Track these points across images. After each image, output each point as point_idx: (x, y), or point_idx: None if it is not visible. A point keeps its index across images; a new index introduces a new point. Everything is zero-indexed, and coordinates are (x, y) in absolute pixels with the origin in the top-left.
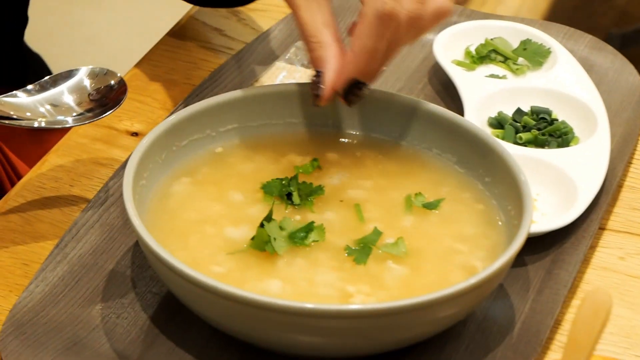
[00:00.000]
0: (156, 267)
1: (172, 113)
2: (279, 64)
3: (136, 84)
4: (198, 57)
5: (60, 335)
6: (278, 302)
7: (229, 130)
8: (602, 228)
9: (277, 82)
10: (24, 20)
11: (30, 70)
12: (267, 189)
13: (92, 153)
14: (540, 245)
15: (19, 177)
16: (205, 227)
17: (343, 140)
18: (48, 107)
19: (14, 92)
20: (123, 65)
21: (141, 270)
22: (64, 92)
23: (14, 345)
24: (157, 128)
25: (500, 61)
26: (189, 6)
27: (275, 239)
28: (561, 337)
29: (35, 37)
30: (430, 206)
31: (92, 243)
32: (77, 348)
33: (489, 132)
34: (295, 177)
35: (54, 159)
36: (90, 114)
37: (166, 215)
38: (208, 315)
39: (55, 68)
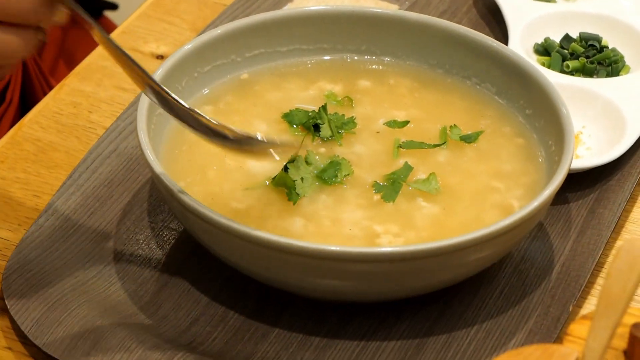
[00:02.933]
0: (170, 204)
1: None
2: None
3: (164, 3)
4: None
5: (68, 274)
6: (299, 243)
7: (256, 55)
8: None
9: (312, 4)
10: None
11: None
12: (289, 118)
13: (114, 77)
14: (584, 182)
15: None
16: (225, 160)
17: (376, 67)
18: None
19: None
20: None
21: (159, 204)
22: None
23: (18, 283)
24: (176, 53)
25: None
26: None
27: (302, 179)
28: (603, 282)
29: None
30: (467, 139)
31: (108, 174)
32: (84, 288)
33: (533, 60)
34: (324, 107)
35: (74, 82)
36: None
37: (184, 146)
38: (225, 256)
39: None
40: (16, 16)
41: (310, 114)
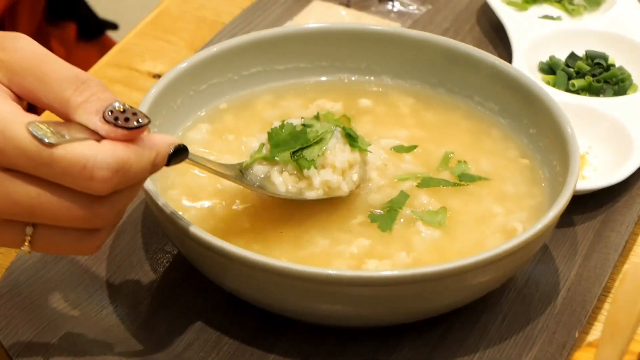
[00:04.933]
0: (164, 226)
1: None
2: (316, 3)
3: (162, 21)
4: None
5: (59, 297)
6: (296, 267)
7: (253, 74)
8: None
9: (312, 22)
10: None
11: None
12: (271, 137)
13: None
14: (590, 203)
15: None
16: (221, 180)
17: (377, 86)
18: None
19: None
20: (150, 2)
21: (153, 225)
22: None
23: (7, 307)
24: (171, 71)
25: (555, 1)
26: None
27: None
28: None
29: None
30: (465, 178)
31: None
32: (75, 312)
33: (538, 79)
34: (316, 117)
35: None
36: None
37: (180, 166)
38: (220, 279)
39: None
40: (133, 180)
41: (297, 127)
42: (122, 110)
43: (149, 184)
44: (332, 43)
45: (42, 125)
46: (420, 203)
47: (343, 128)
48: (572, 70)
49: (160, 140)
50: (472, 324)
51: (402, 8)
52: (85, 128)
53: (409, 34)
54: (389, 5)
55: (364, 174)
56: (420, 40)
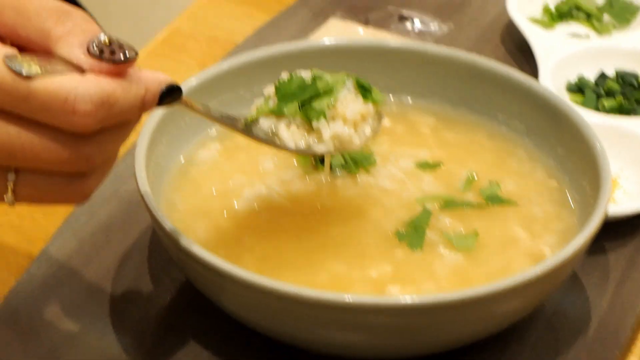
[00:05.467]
0: (170, 250)
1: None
2: (333, 21)
3: (174, 41)
4: (245, 12)
5: (60, 325)
6: (311, 294)
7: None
8: None
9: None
10: None
11: None
12: (280, 89)
13: None
14: (623, 229)
15: None
16: (234, 201)
17: (395, 104)
18: None
19: None
20: (161, 21)
21: (160, 251)
22: None
23: (6, 335)
24: (182, 86)
25: (583, 19)
26: None
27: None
28: None
29: None
30: (494, 200)
31: (106, 219)
32: (77, 341)
33: (565, 98)
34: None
35: None
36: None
37: (188, 187)
38: (229, 307)
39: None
40: (119, 117)
41: (306, 80)
42: (107, 43)
43: (150, 201)
44: (350, 59)
45: (20, 57)
46: (443, 225)
47: (356, 79)
48: (601, 89)
49: (150, 76)
50: (498, 356)
51: (422, 27)
52: (67, 62)
53: (429, 50)
54: (409, 24)
55: (378, 128)
56: (441, 56)
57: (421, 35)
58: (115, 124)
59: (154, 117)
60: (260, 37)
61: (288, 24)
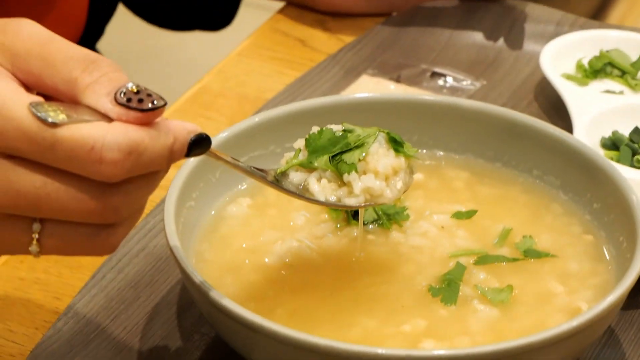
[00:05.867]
0: (203, 307)
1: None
2: (365, 78)
3: (203, 98)
4: (275, 69)
5: None
6: (342, 346)
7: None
8: None
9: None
10: (98, 33)
11: None
12: (309, 143)
13: None
14: None
15: None
16: (264, 256)
17: (430, 159)
18: None
19: None
20: (190, 79)
21: (190, 307)
22: None
23: None
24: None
25: (616, 75)
26: (267, 15)
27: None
28: None
29: (107, 49)
30: (531, 254)
31: (135, 275)
32: None
33: (601, 154)
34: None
35: None
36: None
37: (218, 242)
38: None
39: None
40: (148, 166)
41: (337, 133)
42: (135, 91)
43: (180, 254)
44: (382, 114)
45: (46, 105)
46: (477, 280)
47: (387, 133)
48: (636, 146)
49: (178, 125)
50: None
51: (455, 83)
52: (94, 111)
53: (462, 104)
54: (441, 81)
55: (410, 182)
56: (475, 111)
57: (454, 91)
58: (143, 173)
59: (183, 171)
60: (290, 93)
61: (319, 80)
